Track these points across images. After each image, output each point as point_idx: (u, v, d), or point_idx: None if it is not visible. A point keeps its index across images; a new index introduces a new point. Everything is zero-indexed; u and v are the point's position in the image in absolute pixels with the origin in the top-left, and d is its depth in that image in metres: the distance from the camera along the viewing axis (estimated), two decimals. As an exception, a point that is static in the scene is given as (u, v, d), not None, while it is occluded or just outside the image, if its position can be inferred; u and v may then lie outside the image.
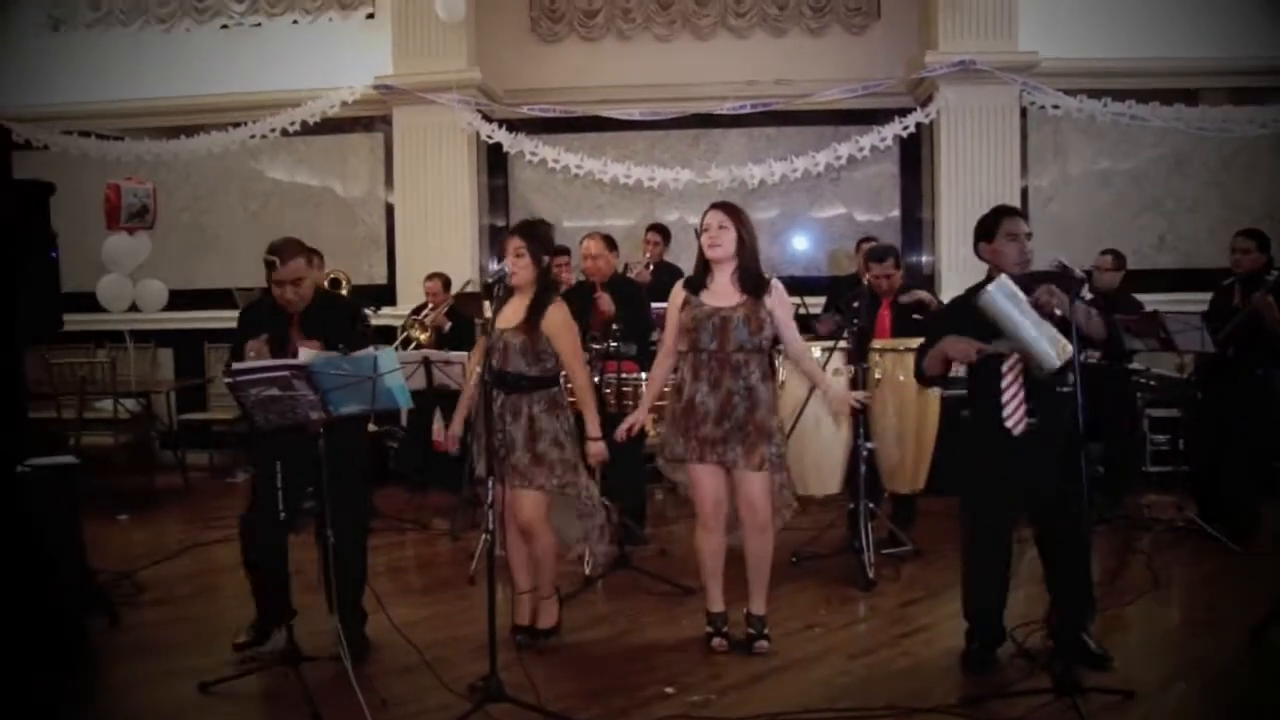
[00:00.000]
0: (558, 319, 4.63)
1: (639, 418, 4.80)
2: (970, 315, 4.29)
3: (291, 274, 4.53)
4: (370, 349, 4.20)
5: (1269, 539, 6.46)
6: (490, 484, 4.24)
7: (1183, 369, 7.21)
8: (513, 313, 4.63)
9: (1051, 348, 4.08)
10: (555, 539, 4.78)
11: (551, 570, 4.81)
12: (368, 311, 8.37)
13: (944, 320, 4.73)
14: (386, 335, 9.23)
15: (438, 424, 7.97)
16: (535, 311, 4.60)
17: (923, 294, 6.46)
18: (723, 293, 4.61)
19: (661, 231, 8.71)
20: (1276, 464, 7.71)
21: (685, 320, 4.61)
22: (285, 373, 3.99)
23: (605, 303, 6.35)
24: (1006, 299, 4.10)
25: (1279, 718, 4.03)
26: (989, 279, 4.29)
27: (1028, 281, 4.27)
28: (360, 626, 4.71)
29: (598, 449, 4.77)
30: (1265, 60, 9.25)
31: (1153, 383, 7.36)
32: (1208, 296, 6.88)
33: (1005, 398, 4.28)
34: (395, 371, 4.20)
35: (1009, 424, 4.27)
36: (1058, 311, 4.15)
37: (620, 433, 4.77)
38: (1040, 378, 4.18)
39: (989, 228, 4.48)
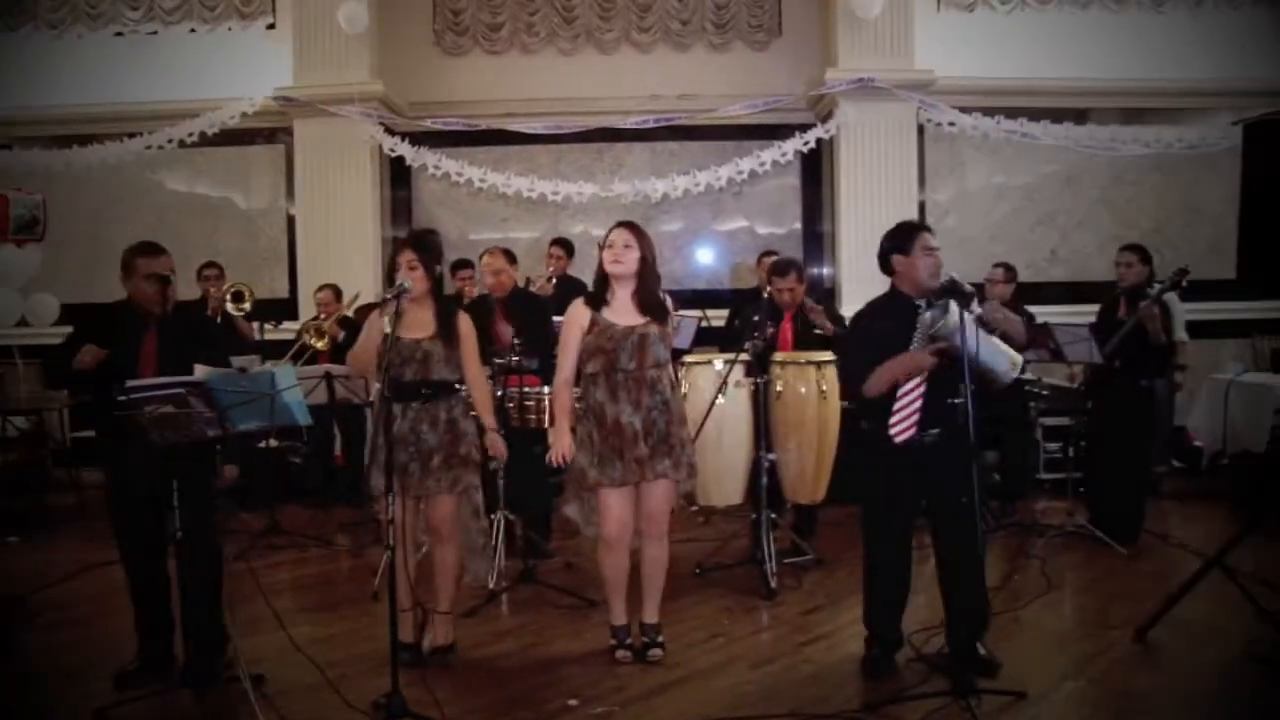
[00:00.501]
0: (465, 328, 4.71)
1: (566, 444, 4.65)
2: (889, 328, 4.36)
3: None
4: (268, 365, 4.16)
5: (1154, 541, 6.68)
6: (390, 499, 4.17)
7: (1073, 379, 7.43)
8: (417, 324, 4.61)
9: (1005, 362, 4.16)
10: (460, 549, 4.79)
11: (454, 583, 4.81)
12: (269, 325, 8.29)
13: (862, 336, 4.65)
14: (287, 349, 9.14)
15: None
16: (448, 321, 4.66)
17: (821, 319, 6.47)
18: (625, 311, 4.64)
19: (565, 245, 8.72)
20: (1159, 469, 8.02)
21: (599, 341, 4.60)
22: (181, 390, 3.93)
23: (505, 334, 6.28)
24: (958, 325, 4.12)
25: (1160, 712, 4.17)
26: (895, 291, 4.40)
27: (928, 297, 4.37)
28: (220, 649, 4.50)
29: (498, 441, 4.86)
30: (1151, 82, 9.63)
31: (1045, 392, 7.57)
32: (1096, 308, 7.10)
33: (898, 406, 4.33)
34: (294, 387, 4.16)
35: (896, 434, 4.33)
36: (995, 328, 4.26)
37: (556, 458, 4.66)
38: (995, 391, 4.28)
39: (903, 241, 4.48)
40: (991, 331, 4.30)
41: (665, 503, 4.69)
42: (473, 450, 4.71)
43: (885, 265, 4.56)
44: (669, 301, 4.76)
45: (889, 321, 4.44)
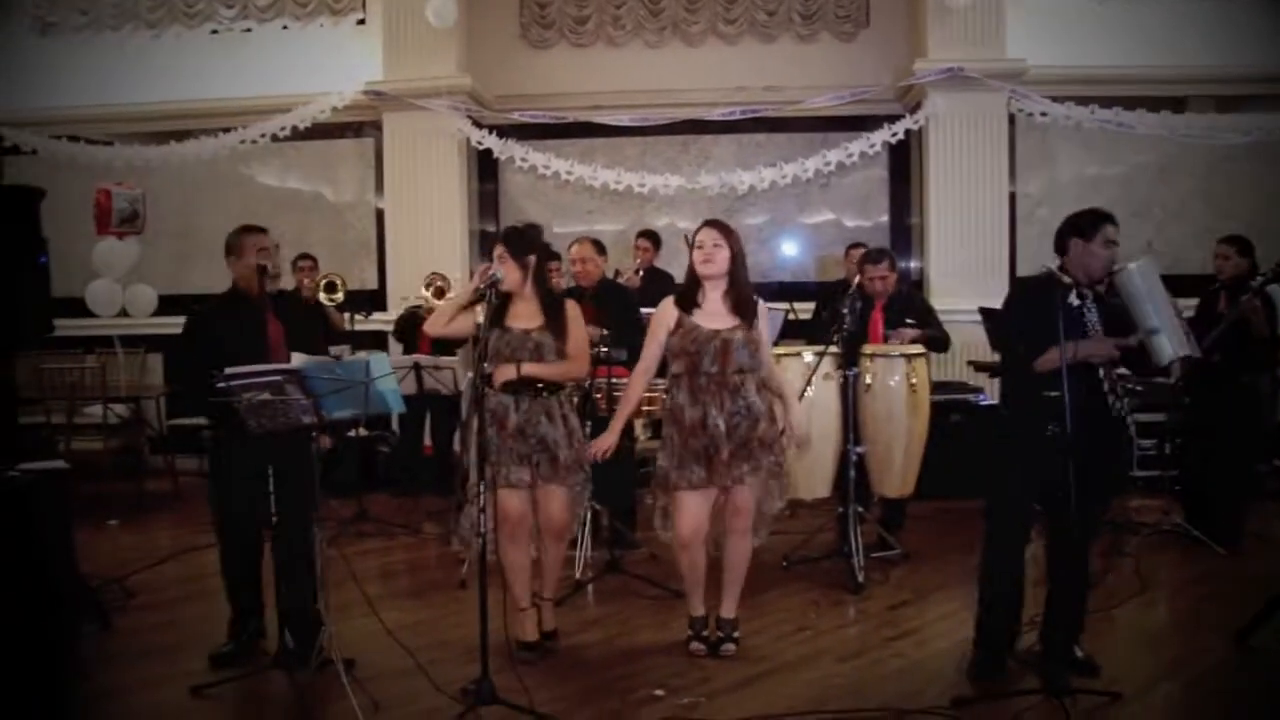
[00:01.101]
0: (572, 312, 4.68)
1: (610, 442, 4.69)
2: (1044, 302, 4.15)
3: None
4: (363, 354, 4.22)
5: (1254, 542, 6.50)
6: (482, 489, 4.15)
7: (1170, 374, 7.24)
8: (524, 315, 4.60)
9: (1173, 340, 4.05)
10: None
11: (560, 571, 4.90)
12: (359, 316, 8.41)
13: (1022, 310, 4.48)
14: (377, 340, 9.28)
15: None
16: (556, 311, 4.63)
17: (913, 333, 6.39)
18: (716, 313, 4.62)
19: (652, 238, 8.74)
20: (1261, 468, 7.79)
21: (684, 343, 4.58)
22: (278, 377, 4.00)
23: (590, 332, 6.26)
24: (1151, 280, 4.06)
25: (1260, 718, 4.06)
26: (1048, 276, 4.16)
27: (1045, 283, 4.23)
28: (315, 633, 4.49)
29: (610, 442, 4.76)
30: (1250, 69, 9.34)
31: (1140, 388, 7.40)
32: (1193, 302, 6.91)
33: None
34: (388, 376, 4.22)
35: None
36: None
37: (598, 451, 4.69)
38: (1155, 368, 4.19)
39: (1088, 226, 4.30)
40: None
41: (750, 498, 4.66)
42: (583, 449, 4.71)
43: (1060, 244, 4.38)
44: (760, 304, 4.72)
45: (1044, 300, 4.18)
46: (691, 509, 4.60)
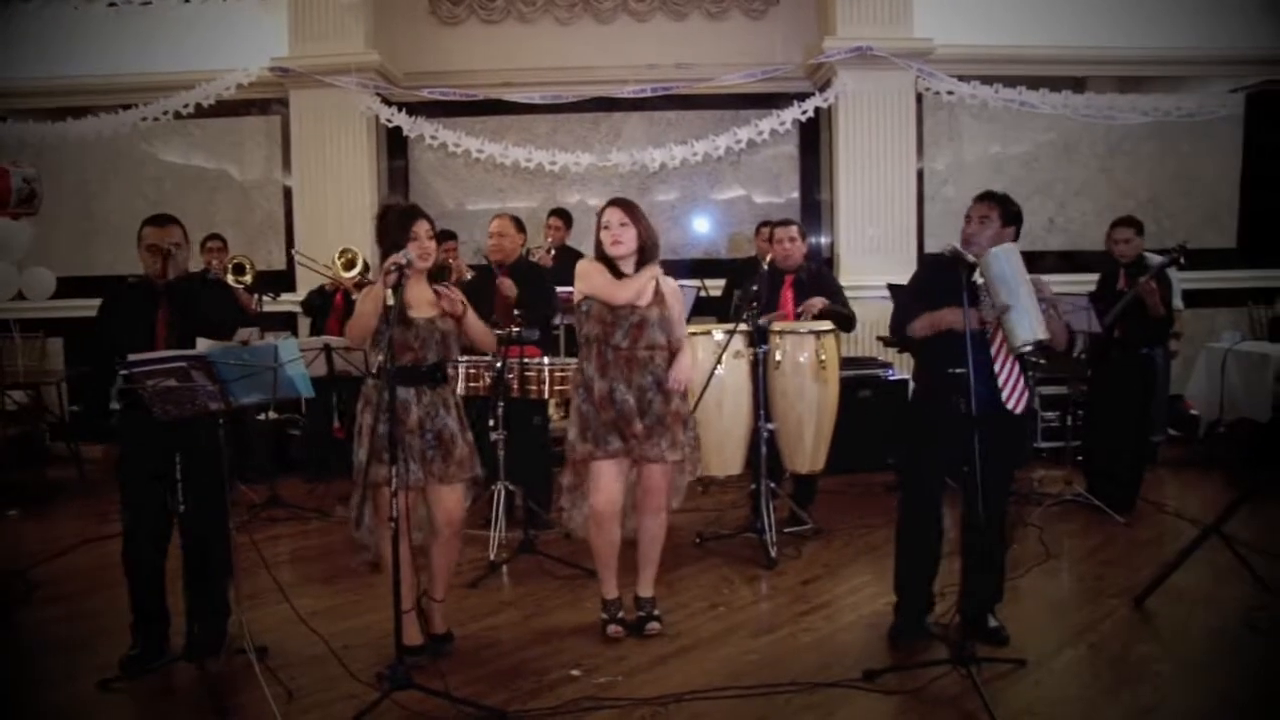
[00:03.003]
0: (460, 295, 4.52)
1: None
2: (945, 277, 4.28)
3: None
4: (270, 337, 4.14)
5: (1150, 509, 6.72)
6: (394, 482, 3.99)
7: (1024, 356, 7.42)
8: (426, 301, 4.40)
9: (1031, 325, 4.14)
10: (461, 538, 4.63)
11: (451, 571, 4.67)
12: (267, 297, 8.27)
13: (918, 282, 4.74)
14: (287, 321, 9.15)
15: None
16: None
17: (822, 301, 6.45)
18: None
19: (563, 216, 8.73)
20: (1156, 437, 8.04)
21: (600, 312, 4.56)
22: (183, 363, 3.93)
23: (507, 286, 6.32)
24: (1017, 261, 4.16)
25: (1158, 680, 4.20)
26: (953, 254, 4.26)
27: (935, 263, 4.38)
28: (224, 622, 4.52)
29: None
30: (1150, 50, 9.57)
31: (1043, 361, 7.58)
32: (1094, 277, 7.11)
33: (1004, 378, 4.34)
34: (297, 360, 4.16)
35: (1012, 404, 4.33)
36: (1043, 305, 4.25)
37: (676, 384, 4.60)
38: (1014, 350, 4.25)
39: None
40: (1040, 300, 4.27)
41: (664, 479, 4.68)
42: (472, 438, 4.52)
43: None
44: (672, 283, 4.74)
45: (947, 277, 4.31)
46: (607, 479, 4.59)
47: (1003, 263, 4.17)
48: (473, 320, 4.46)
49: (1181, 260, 6.48)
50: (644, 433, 4.55)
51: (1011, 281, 4.15)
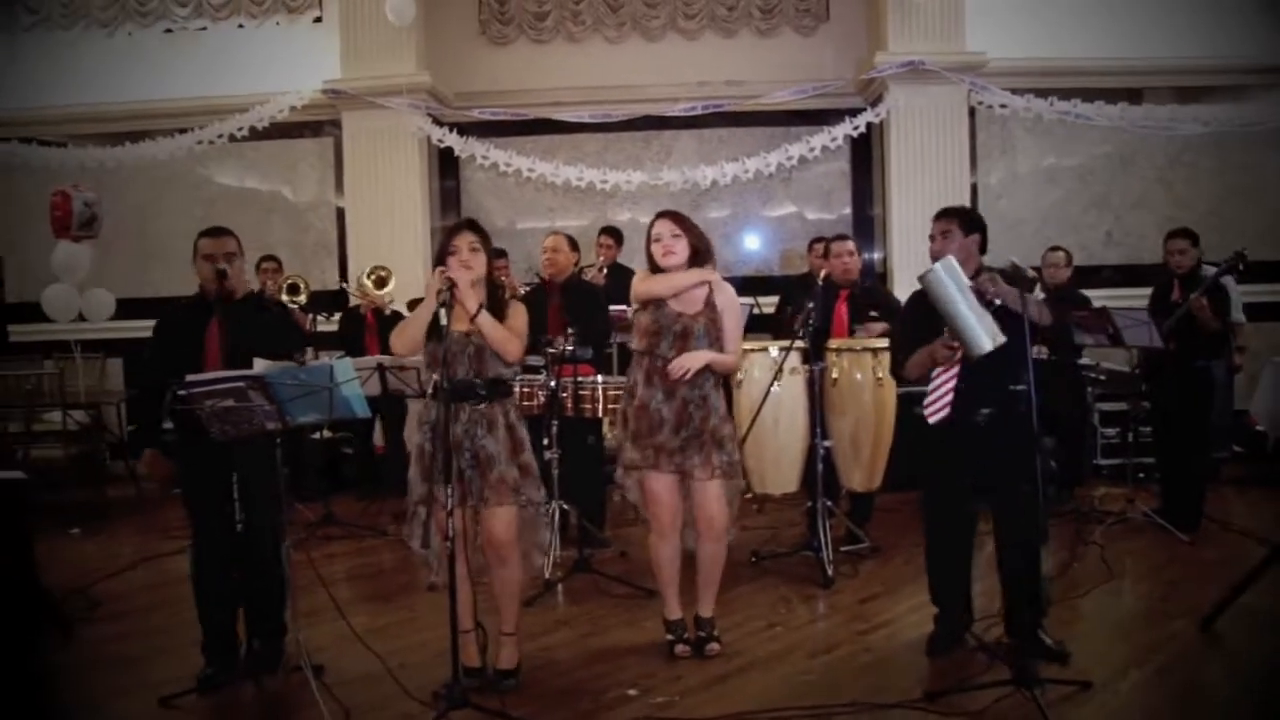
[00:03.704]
0: (517, 309, 4.35)
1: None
2: (928, 310, 4.32)
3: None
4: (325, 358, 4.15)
5: (1215, 528, 6.58)
6: (450, 506, 3.94)
7: (1130, 363, 7.32)
8: (462, 318, 4.18)
9: (984, 333, 4.11)
10: (521, 565, 4.43)
11: (517, 600, 4.44)
12: (320, 317, 8.34)
13: (908, 318, 4.76)
14: (341, 341, 9.19)
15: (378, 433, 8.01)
16: (498, 310, 4.26)
17: (880, 326, 6.38)
18: (685, 298, 4.57)
19: (614, 234, 8.73)
20: (1221, 454, 7.89)
21: (648, 321, 4.54)
22: (241, 383, 3.95)
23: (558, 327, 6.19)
24: (949, 279, 4.13)
25: (1228, 704, 4.10)
26: (1013, 269, 4.24)
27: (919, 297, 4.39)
28: (281, 640, 4.51)
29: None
30: (1208, 60, 9.45)
31: (1102, 377, 7.47)
32: (1146, 291, 7.01)
33: (931, 388, 4.39)
34: (352, 380, 4.17)
35: (928, 414, 4.39)
36: (996, 301, 4.21)
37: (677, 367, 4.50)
38: (969, 362, 4.23)
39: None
40: (988, 304, 4.21)
41: (719, 501, 4.60)
42: (531, 460, 4.33)
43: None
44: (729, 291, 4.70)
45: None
46: (663, 495, 4.58)
47: (941, 277, 4.13)
48: (486, 321, 4.16)
49: (1240, 266, 6.38)
50: (678, 445, 4.51)
51: (958, 292, 4.11)
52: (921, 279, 4.21)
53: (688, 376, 4.48)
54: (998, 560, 4.61)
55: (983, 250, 4.59)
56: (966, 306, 4.12)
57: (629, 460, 4.60)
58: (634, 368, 4.65)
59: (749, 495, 6.56)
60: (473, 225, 4.38)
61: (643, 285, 4.60)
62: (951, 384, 4.37)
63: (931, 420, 4.39)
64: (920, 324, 4.49)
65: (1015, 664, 4.08)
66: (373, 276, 8.14)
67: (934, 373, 4.41)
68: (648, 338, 4.55)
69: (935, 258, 4.41)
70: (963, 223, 4.53)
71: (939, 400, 4.42)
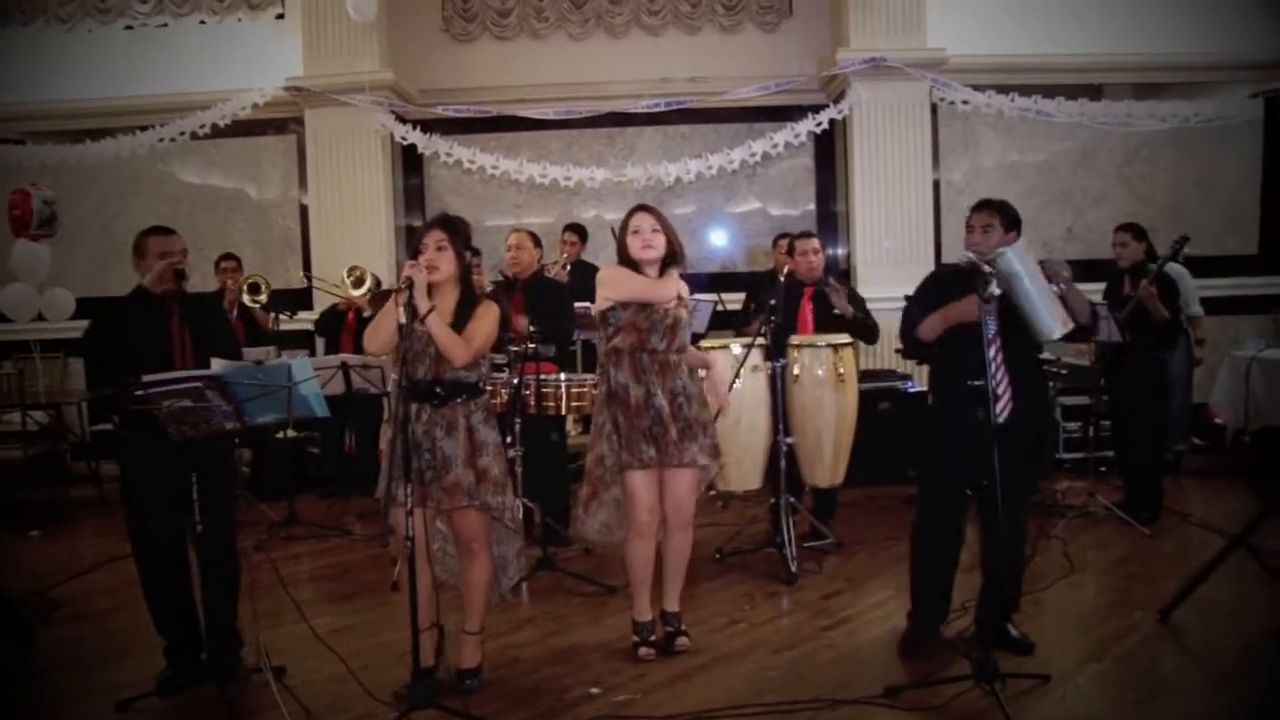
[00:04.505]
0: (483, 313, 4.25)
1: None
2: (952, 288, 4.35)
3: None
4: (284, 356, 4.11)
5: (1175, 520, 6.66)
6: (409, 506, 3.93)
7: (1079, 354, 7.38)
8: (437, 313, 4.11)
9: (1053, 318, 4.13)
10: (492, 563, 4.40)
11: (483, 598, 4.37)
12: (284, 316, 8.30)
13: (924, 289, 4.71)
14: (306, 339, 9.17)
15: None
16: (468, 309, 4.23)
17: (840, 300, 6.41)
18: (661, 291, 4.57)
19: (579, 231, 8.73)
20: (1180, 446, 7.98)
21: (636, 318, 4.50)
22: (199, 384, 3.92)
23: (520, 325, 6.17)
24: (1020, 263, 4.14)
25: (1186, 695, 4.14)
26: (970, 265, 4.27)
27: (949, 273, 4.39)
28: (235, 651, 4.44)
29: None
30: (1166, 56, 9.54)
31: (1063, 371, 7.52)
32: (1100, 286, 7.07)
33: (998, 389, 4.24)
34: (311, 379, 4.15)
35: (999, 414, 4.22)
36: (1061, 287, 4.26)
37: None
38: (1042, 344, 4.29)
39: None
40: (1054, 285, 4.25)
41: (691, 490, 4.65)
42: (493, 464, 4.25)
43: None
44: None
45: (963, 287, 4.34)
46: (644, 492, 4.56)
47: (1013, 261, 4.14)
48: (432, 323, 4.06)
49: (1180, 254, 6.52)
50: (677, 437, 4.52)
51: (1029, 276, 4.13)
52: (991, 262, 4.17)
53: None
54: (983, 554, 4.62)
55: None
56: (1037, 292, 4.14)
57: (624, 461, 4.51)
58: (615, 367, 4.55)
59: (713, 492, 6.56)
60: (446, 223, 4.35)
61: (647, 289, 4.53)
62: (1007, 379, 4.29)
63: (1003, 418, 4.23)
64: (937, 295, 4.48)
65: (975, 658, 4.10)
66: (351, 277, 8.11)
67: (993, 373, 4.22)
68: (638, 334, 4.52)
69: (972, 250, 4.44)
70: (1005, 218, 4.53)
71: (1005, 397, 4.29)
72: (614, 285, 4.57)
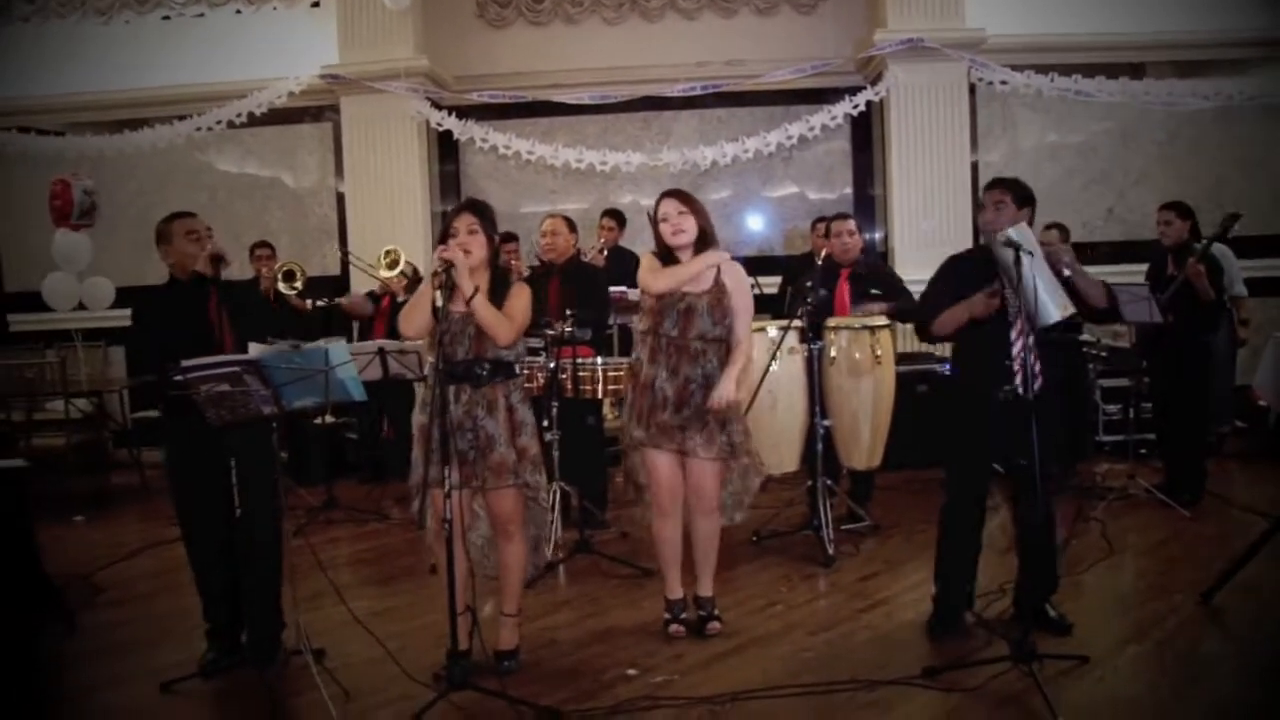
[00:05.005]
0: (519, 292, 4.29)
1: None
2: (968, 271, 4.37)
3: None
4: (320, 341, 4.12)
5: (1217, 503, 6.58)
6: (448, 488, 3.92)
7: (1116, 337, 7.30)
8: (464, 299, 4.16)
9: (1053, 302, 4.11)
10: (526, 544, 4.43)
11: (520, 580, 4.43)
12: (321, 303, 8.34)
13: (941, 278, 4.69)
14: (343, 325, 9.20)
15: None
16: (502, 293, 4.24)
17: (880, 306, 6.36)
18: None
19: (616, 216, 8.71)
20: (1223, 428, 7.88)
21: (651, 301, 4.56)
22: (236, 368, 3.94)
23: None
24: (1029, 241, 4.10)
25: (1227, 678, 4.09)
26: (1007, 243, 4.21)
27: (985, 252, 4.35)
28: (279, 631, 4.49)
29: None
30: (1209, 33, 9.37)
31: (1103, 353, 7.46)
32: (1142, 267, 6.99)
33: (1016, 364, 4.26)
34: (348, 363, 4.17)
35: (1021, 388, 4.21)
36: (1066, 272, 4.22)
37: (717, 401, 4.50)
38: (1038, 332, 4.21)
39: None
40: (1059, 275, 4.22)
41: (713, 478, 4.61)
42: (530, 443, 4.29)
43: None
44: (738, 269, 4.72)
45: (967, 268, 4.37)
46: (663, 471, 4.58)
47: (1026, 239, 4.11)
48: (479, 304, 4.09)
49: (1229, 233, 6.41)
50: (677, 424, 4.51)
51: (1037, 257, 4.10)
52: (991, 244, 4.17)
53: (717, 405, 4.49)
54: (1017, 535, 4.61)
55: (1031, 225, 4.49)
56: (1039, 275, 4.11)
57: (634, 438, 4.61)
58: (639, 346, 4.65)
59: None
60: (474, 206, 4.35)
61: (649, 280, 4.56)
62: (1032, 355, 4.26)
63: (1034, 392, 4.20)
64: (955, 284, 4.49)
65: (1013, 639, 4.07)
66: (386, 259, 8.12)
67: (1014, 349, 4.27)
68: (652, 316, 4.56)
69: (986, 228, 4.44)
70: (1016, 195, 4.47)
71: (1032, 371, 4.26)
72: (644, 278, 4.61)
